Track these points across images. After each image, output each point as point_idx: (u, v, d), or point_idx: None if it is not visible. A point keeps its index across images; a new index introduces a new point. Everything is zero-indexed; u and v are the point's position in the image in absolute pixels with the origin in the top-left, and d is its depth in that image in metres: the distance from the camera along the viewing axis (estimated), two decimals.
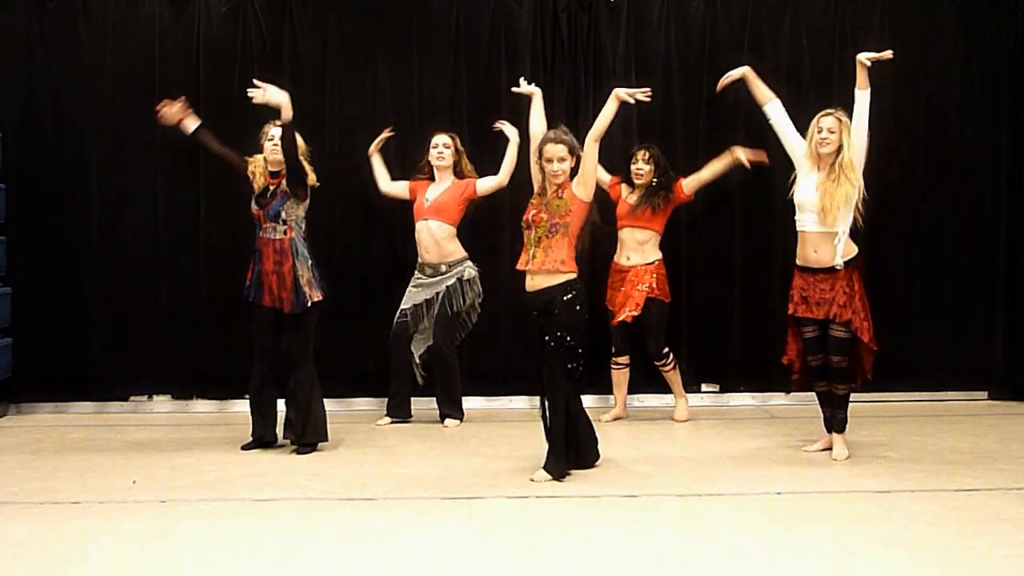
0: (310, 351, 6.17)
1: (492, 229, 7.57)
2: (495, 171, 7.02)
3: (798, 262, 5.98)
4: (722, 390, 7.87)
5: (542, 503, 5.12)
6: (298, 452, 6.13)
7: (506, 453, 6.13)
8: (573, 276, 5.48)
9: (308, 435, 6.16)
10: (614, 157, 7.18)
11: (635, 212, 7.01)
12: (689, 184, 7.01)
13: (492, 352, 7.71)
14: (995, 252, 7.92)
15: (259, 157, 6.20)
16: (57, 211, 7.49)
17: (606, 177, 7.09)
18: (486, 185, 7.03)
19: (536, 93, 5.87)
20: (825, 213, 5.77)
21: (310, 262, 6.14)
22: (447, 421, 7.00)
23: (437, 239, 6.96)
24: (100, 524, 4.81)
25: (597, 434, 5.80)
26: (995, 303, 7.93)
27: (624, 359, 7.17)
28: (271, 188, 6.13)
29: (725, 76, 6.22)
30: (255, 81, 6.04)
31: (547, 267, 5.45)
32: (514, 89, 6.07)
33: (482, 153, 7.19)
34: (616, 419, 7.16)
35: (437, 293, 6.96)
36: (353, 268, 7.62)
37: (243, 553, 4.41)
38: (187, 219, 7.59)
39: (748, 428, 7.00)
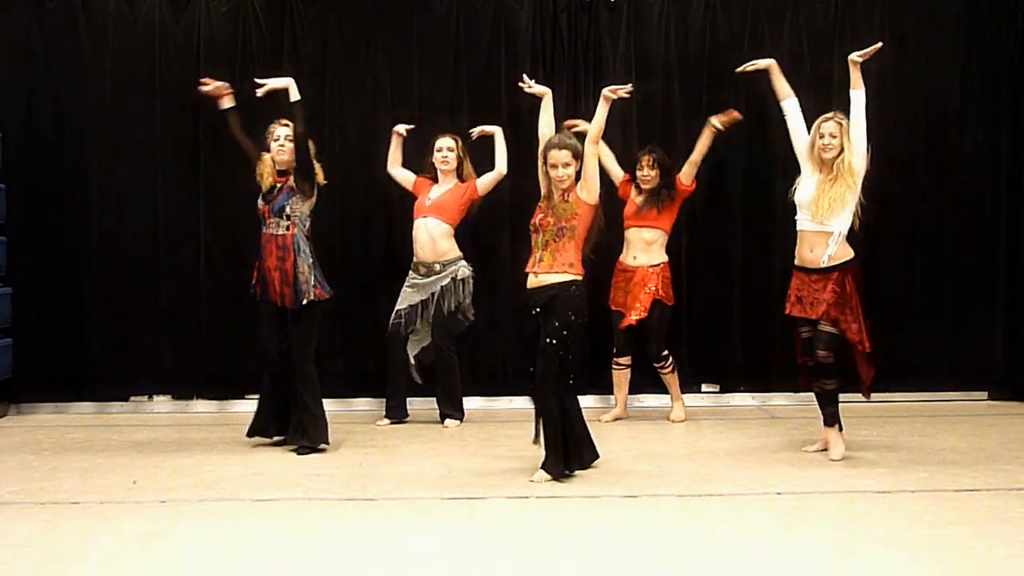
0: (310, 352, 6.17)
1: (492, 230, 7.57)
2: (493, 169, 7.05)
3: (795, 262, 6.00)
4: (722, 390, 7.88)
5: (542, 503, 5.12)
6: (298, 452, 6.13)
7: (506, 453, 6.12)
8: (578, 278, 5.50)
9: (308, 438, 6.16)
10: (618, 159, 7.19)
11: (640, 212, 7.03)
12: (685, 173, 7.02)
13: (492, 352, 7.72)
14: (995, 252, 7.92)
15: (266, 157, 6.22)
16: (57, 211, 7.50)
17: (619, 172, 7.12)
18: (486, 181, 7.05)
19: (547, 94, 5.86)
20: (818, 208, 5.79)
21: (311, 260, 6.15)
22: (447, 421, 7.00)
23: (434, 236, 6.96)
24: (100, 524, 4.81)
25: (593, 436, 5.77)
26: (995, 303, 7.94)
27: (625, 359, 7.17)
28: (278, 185, 6.16)
29: (750, 63, 6.21)
30: (256, 80, 6.06)
31: (554, 269, 5.48)
32: (527, 89, 5.98)
33: (482, 152, 7.18)
34: (616, 419, 7.16)
35: (432, 294, 6.96)
36: (353, 268, 7.62)
37: (243, 553, 4.41)
38: (187, 219, 7.59)
39: (748, 428, 7.00)
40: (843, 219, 5.83)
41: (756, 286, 7.72)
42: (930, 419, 7.26)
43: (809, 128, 5.98)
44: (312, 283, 6.10)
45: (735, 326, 7.82)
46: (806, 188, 5.91)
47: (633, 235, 7.07)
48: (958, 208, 7.92)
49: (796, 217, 5.98)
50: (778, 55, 7.64)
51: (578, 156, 5.51)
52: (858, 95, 5.86)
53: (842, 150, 5.81)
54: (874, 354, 5.93)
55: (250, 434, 6.32)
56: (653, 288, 6.95)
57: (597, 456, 5.73)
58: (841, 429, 6.20)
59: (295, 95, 6.09)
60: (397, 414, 7.06)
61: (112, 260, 7.54)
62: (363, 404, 7.53)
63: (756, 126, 7.76)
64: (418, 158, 7.18)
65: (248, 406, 7.52)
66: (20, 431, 6.97)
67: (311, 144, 6.17)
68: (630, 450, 6.31)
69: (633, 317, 6.94)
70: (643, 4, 7.79)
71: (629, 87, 5.79)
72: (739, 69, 6.32)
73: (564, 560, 4.31)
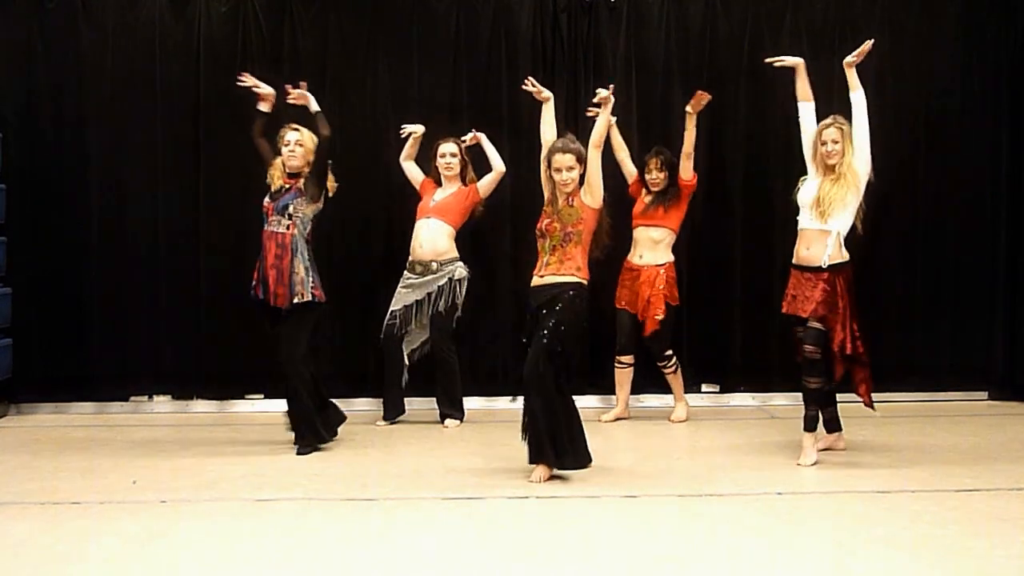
0: (297, 354, 6.12)
1: (493, 230, 7.57)
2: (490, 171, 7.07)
3: (792, 260, 6.00)
4: (722, 390, 7.88)
5: (542, 503, 5.12)
6: (298, 452, 6.14)
7: (506, 453, 6.11)
8: (583, 282, 5.52)
9: (303, 439, 6.18)
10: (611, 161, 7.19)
11: (647, 211, 7.07)
12: (683, 168, 7.02)
13: (492, 352, 7.71)
14: (995, 252, 7.92)
15: (278, 160, 6.27)
16: (57, 211, 7.50)
17: (632, 169, 7.15)
18: (486, 183, 7.07)
19: (549, 99, 5.86)
20: (819, 206, 5.80)
21: (309, 262, 6.15)
22: (447, 421, 7.01)
23: (434, 235, 6.97)
24: (100, 524, 4.81)
25: (588, 440, 5.75)
26: (995, 303, 7.94)
27: (628, 358, 7.17)
28: (287, 186, 6.21)
29: (778, 58, 6.20)
30: (287, 89, 6.25)
31: (561, 273, 5.49)
32: (531, 90, 5.96)
33: (482, 152, 7.18)
34: (617, 419, 7.16)
35: (429, 294, 6.96)
36: (353, 268, 7.62)
37: (243, 553, 4.41)
38: (187, 219, 7.59)
39: (748, 428, 7.00)
40: (843, 220, 5.83)
41: (756, 286, 7.72)
42: (930, 419, 7.26)
43: None
44: (309, 284, 6.11)
45: (735, 326, 7.82)
46: (809, 189, 5.92)
47: (640, 234, 7.10)
48: (958, 208, 7.92)
49: (798, 217, 5.99)
50: (778, 55, 7.69)
51: (582, 160, 5.52)
52: (857, 97, 5.88)
53: (844, 153, 5.82)
54: (856, 358, 5.87)
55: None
56: (660, 288, 6.96)
57: (591, 461, 5.69)
58: (840, 430, 6.23)
59: (314, 107, 6.21)
60: (394, 413, 7.06)
61: (112, 260, 7.54)
62: (363, 404, 7.52)
63: (756, 125, 7.77)
64: (426, 159, 7.19)
65: (248, 406, 7.55)
66: (20, 431, 6.97)
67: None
68: (630, 450, 6.31)
69: (657, 317, 6.93)
70: (643, 4, 7.79)
71: (611, 88, 5.76)
72: (768, 59, 6.29)
73: (564, 560, 4.31)
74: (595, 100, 5.78)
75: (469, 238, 7.23)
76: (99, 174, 7.55)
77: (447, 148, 7.06)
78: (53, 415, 7.47)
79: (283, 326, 6.15)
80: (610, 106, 5.66)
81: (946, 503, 5.12)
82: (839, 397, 6.21)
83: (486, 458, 6.02)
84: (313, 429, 6.21)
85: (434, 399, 7.11)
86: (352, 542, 4.56)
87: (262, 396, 7.55)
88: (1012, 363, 7.89)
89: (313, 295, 6.11)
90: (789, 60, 6.17)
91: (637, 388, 7.39)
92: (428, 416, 7.13)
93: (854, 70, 5.92)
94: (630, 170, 7.16)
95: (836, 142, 5.84)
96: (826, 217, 5.81)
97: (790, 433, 6.64)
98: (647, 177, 7.06)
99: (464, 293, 7.00)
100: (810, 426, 5.92)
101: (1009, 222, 7.90)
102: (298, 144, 6.18)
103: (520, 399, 7.46)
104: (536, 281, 5.56)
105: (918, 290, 7.91)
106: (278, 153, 6.26)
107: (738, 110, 7.79)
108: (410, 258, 7.06)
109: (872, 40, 6.03)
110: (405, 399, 7.11)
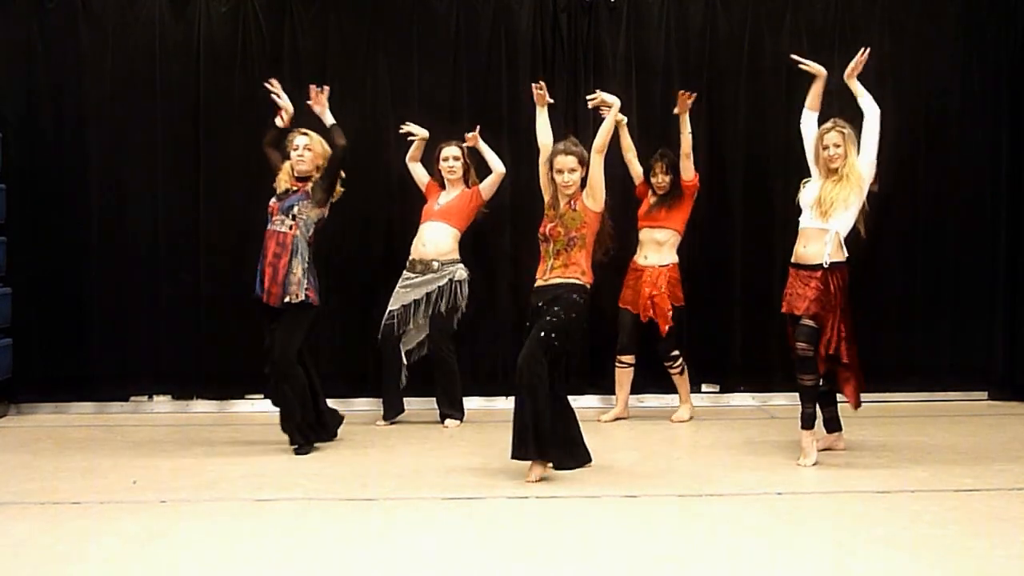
0: (290, 354, 6.10)
1: (493, 231, 7.57)
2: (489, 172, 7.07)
3: (791, 259, 6.00)
4: (722, 390, 7.88)
5: (542, 503, 5.12)
6: (297, 452, 6.14)
7: (506, 453, 6.10)
8: (587, 285, 5.54)
9: (291, 438, 6.19)
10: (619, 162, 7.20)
11: (651, 213, 7.10)
12: (684, 168, 7.01)
13: (492, 352, 7.71)
14: (995, 252, 7.92)
15: (286, 164, 6.30)
16: (57, 211, 7.50)
17: (639, 169, 7.15)
18: (487, 185, 7.08)
19: (545, 105, 5.86)
20: (821, 206, 5.81)
21: (308, 265, 6.16)
22: (447, 421, 7.01)
23: (438, 236, 6.99)
24: (100, 524, 4.81)
25: (586, 440, 5.75)
26: (995, 303, 7.93)
27: (629, 358, 7.17)
28: (294, 188, 6.24)
29: (806, 62, 6.14)
30: (271, 83, 6.32)
31: (565, 276, 5.51)
32: (540, 92, 5.90)
33: (481, 157, 7.17)
34: (617, 419, 7.16)
35: (428, 294, 6.96)
36: (353, 268, 7.62)
37: (243, 553, 4.41)
38: (187, 219, 7.59)
39: (748, 428, 7.00)
40: (843, 220, 5.82)
41: (756, 286, 7.72)
42: (930, 419, 7.25)
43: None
44: (304, 286, 6.10)
45: (735, 326, 7.82)
46: (811, 190, 5.93)
47: (645, 235, 7.12)
48: (958, 208, 7.92)
49: (799, 218, 5.99)
50: (778, 55, 7.72)
51: (583, 163, 5.54)
52: (867, 102, 5.90)
53: (847, 156, 5.83)
54: (837, 359, 5.85)
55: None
56: (663, 289, 6.97)
57: (590, 460, 5.71)
58: (840, 431, 6.23)
59: (329, 119, 6.28)
60: (392, 412, 7.06)
61: (112, 260, 7.53)
62: (363, 404, 7.52)
63: (756, 125, 7.77)
64: (428, 162, 7.19)
65: (248, 406, 7.55)
66: (20, 431, 6.97)
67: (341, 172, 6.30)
68: (630, 450, 6.31)
69: (669, 313, 6.95)
70: (643, 4, 7.79)
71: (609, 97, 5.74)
72: (795, 58, 6.24)
73: (564, 560, 4.31)
74: (590, 103, 5.77)
75: (469, 238, 7.22)
76: (99, 174, 7.55)
77: (450, 152, 7.06)
78: (53, 415, 7.47)
79: (278, 325, 6.15)
80: (614, 111, 5.64)
81: (946, 503, 5.11)
82: (839, 397, 6.20)
83: (486, 458, 6.02)
84: (294, 428, 6.17)
85: (434, 399, 7.11)
86: (352, 542, 4.56)
87: (262, 396, 7.52)
88: (1012, 363, 7.89)
89: (307, 296, 6.11)
90: (815, 67, 6.12)
91: (637, 388, 7.39)
92: (428, 416, 7.13)
93: (855, 80, 5.94)
94: (637, 171, 7.16)
95: (838, 146, 5.85)
96: (827, 217, 5.81)
97: (790, 433, 6.63)
98: (652, 181, 7.09)
99: (467, 295, 7.01)
100: (807, 424, 5.91)
101: (1009, 222, 7.89)
102: (307, 148, 6.21)
103: None
104: (539, 281, 5.59)
105: (918, 290, 7.91)
106: (287, 157, 6.28)
107: (738, 110, 7.79)
108: (411, 257, 7.06)
109: (867, 48, 6.03)
110: (405, 399, 7.11)
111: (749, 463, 5.95)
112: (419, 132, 7.16)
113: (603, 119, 5.68)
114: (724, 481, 5.56)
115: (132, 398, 7.63)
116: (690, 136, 6.96)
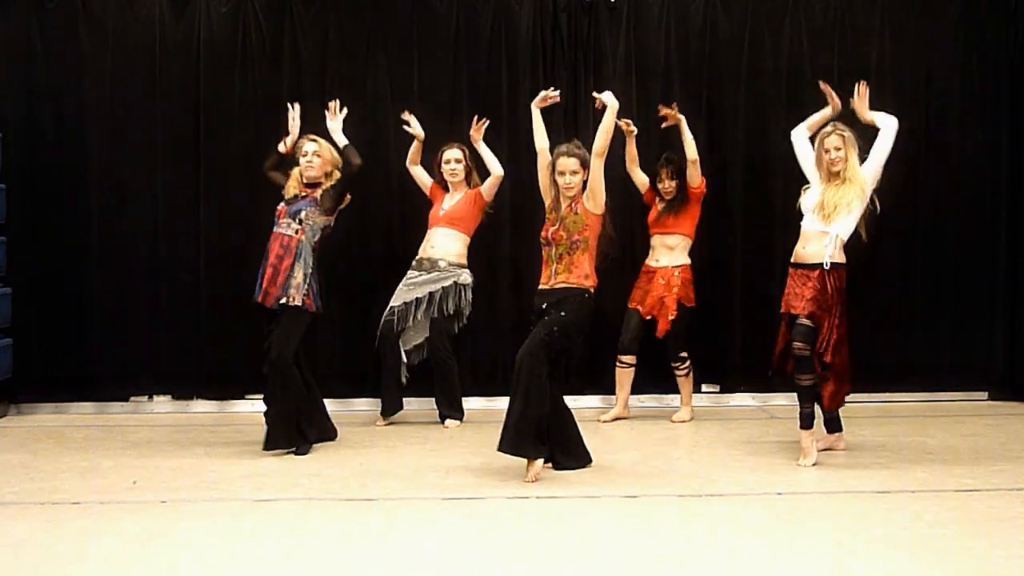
0: (286, 356, 6.09)
1: (493, 231, 7.56)
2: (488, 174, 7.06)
3: (791, 259, 6.00)
4: (722, 390, 7.88)
5: (542, 503, 5.12)
6: (297, 452, 6.14)
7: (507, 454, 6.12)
8: (591, 289, 5.55)
9: (274, 441, 6.16)
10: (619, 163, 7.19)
11: (659, 220, 7.14)
12: (691, 175, 7.00)
13: (492, 352, 7.71)
14: (995, 252, 7.92)
15: (295, 171, 6.32)
16: (57, 211, 7.50)
17: (643, 178, 7.16)
18: (488, 187, 7.06)
19: (539, 109, 5.85)
20: (824, 209, 5.81)
21: (311, 270, 6.16)
22: (447, 421, 7.00)
23: (447, 241, 7.01)
24: (100, 524, 4.81)
25: (587, 436, 5.75)
26: (995, 303, 7.93)
27: (630, 358, 7.17)
28: (303, 194, 6.27)
29: (831, 93, 6.16)
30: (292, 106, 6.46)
31: (570, 281, 5.53)
32: (552, 95, 5.82)
33: (479, 158, 7.17)
34: (617, 419, 7.16)
35: (431, 293, 6.96)
36: (353, 268, 7.62)
37: (243, 553, 4.41)
38: (187, 219, 7.59)
39: (748, 428, 7.00)
40: (845, 224, 5.82)
41: (756, 286, 7.72)
42: (930, 419, 7.26)
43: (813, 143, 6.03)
44: (302, 290, 6.10)
45: (735, 326, 7.82)
46: (813, 194, 5.94)
47: (656, 241, 7.17)
48: (958, 208, 7.92)
49: (801, 222, 5.99)
50: (778, 55, 7.73)
51: (585, 165, 5.55)
52: (881, 119, 5.94)
53: (848, 159, 5.82)
54: (827, 360, 5.83)
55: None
56: (674, 290, 6.98)
57: (590, 461, 5.72)
58: (840, 431, 6.23)
59: (342, 140, 6.32)
60: (391, 409, 7.06)
61: (112, 260, 7.53)
62: (363, 404, 7.52)
63: (756, 125, 7.77)
64: (429, 164, 7.18)
65: (248, 406, 7.54)
66: (20, 431, 6.97)
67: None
68: (630, 450, 6.31)
69: (670, 317, 6.96)
70: (643, 4, 7.79)
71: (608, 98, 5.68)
72: (823, 84, 6.25)
73: (564, 560, 4.31)
74: (597, 104, 5.73)
75: (471, 240, 7.22)
76: (99, 174, 7.55)
77: (451, 154, 7.06)
78: (53, 415, 7.47)
79: (275, 327, 6.15)
80: (613, 112, 5.59)
81: (946, 503, 5.12)
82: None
83: (486, 458, 6.02)
84: (288, 432, 6.14)
85: (433, 399, 7.10)
86: (352, 542, 4.56)
87: (262, 396, 7.53)
88: (1012, 363, 7.89)
89: (304, 302, 6.10)
90: (835, 100, 6.15)
91: (637, 388, 7.38)
92: (428, 416, 7.13)
93: (869, 114, 5.98)
94: (642, 180, 7.16)
95: (839, 149, 5.85)
96: (830, 220, 5.80)
97: (790, 433, 6.63)
98: (659, 186, 7.12)
99: (471, 301, 7.00)
100: (806, 423, 5.91)
101: (1009, 222, 7.90)
102: (316, 155, 6.24)
103: None
104: (543, 284, 5.59)
105: (918, 290, 7.91)
106: (295, 163, 6.29)
107: (738, 110, 7.78)
108: (418, 256, 7.06)
109: (864, 83, 6.05)
110: (405, 399, 7.10)
111: (749, 463, 5.95)
112: (416, 131, 7.14)
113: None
114: (724, 481, 5.56)
115: (132, 398, 7.63)
116: (692, 142, 6.95)
